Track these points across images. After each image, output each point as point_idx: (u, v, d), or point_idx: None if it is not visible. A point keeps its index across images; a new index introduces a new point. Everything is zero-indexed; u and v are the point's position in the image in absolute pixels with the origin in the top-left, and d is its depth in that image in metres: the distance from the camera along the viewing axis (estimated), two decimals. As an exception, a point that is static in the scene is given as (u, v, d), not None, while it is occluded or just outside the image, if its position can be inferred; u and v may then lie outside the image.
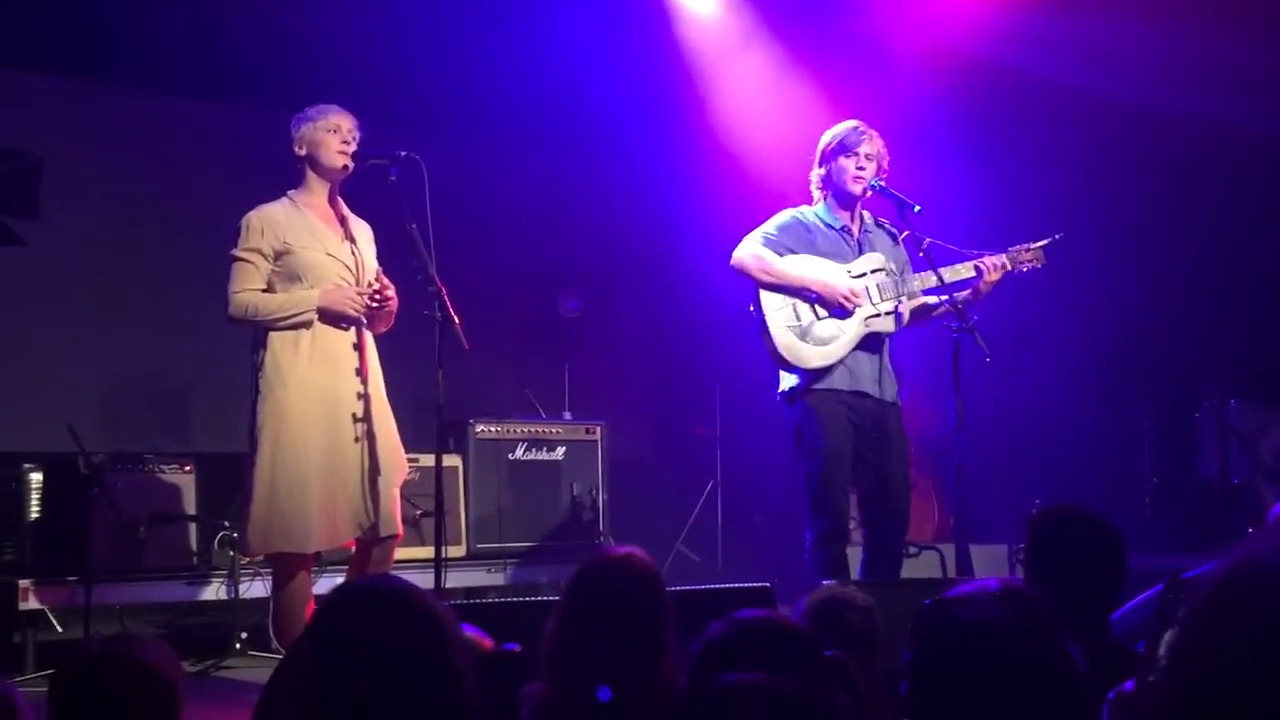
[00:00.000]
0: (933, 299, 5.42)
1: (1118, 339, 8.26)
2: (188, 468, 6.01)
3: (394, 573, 4.51)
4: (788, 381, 5.34)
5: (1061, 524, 3.08)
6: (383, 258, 5.00)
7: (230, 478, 5.69)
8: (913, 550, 6.30)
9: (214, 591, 5.84)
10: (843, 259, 5.37)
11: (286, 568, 4.71)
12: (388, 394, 4.89)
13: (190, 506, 5.96)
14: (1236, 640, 0.82)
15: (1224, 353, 7.84)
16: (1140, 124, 7.70)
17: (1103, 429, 8.36)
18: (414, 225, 4.68)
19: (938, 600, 1.95)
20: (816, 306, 5.29)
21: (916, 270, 5.41)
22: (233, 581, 5.76)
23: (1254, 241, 7.90)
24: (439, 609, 2.07)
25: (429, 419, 4.85)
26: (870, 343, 5.34)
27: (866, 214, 5.53)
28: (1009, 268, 5.38)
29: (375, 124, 5.05)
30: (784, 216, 5.45)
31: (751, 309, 5.36)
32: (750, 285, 5.35)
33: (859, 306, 5.28)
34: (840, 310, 5.26)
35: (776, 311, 5.29)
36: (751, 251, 5.33)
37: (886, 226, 5.57)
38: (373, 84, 6.53)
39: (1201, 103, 7.42)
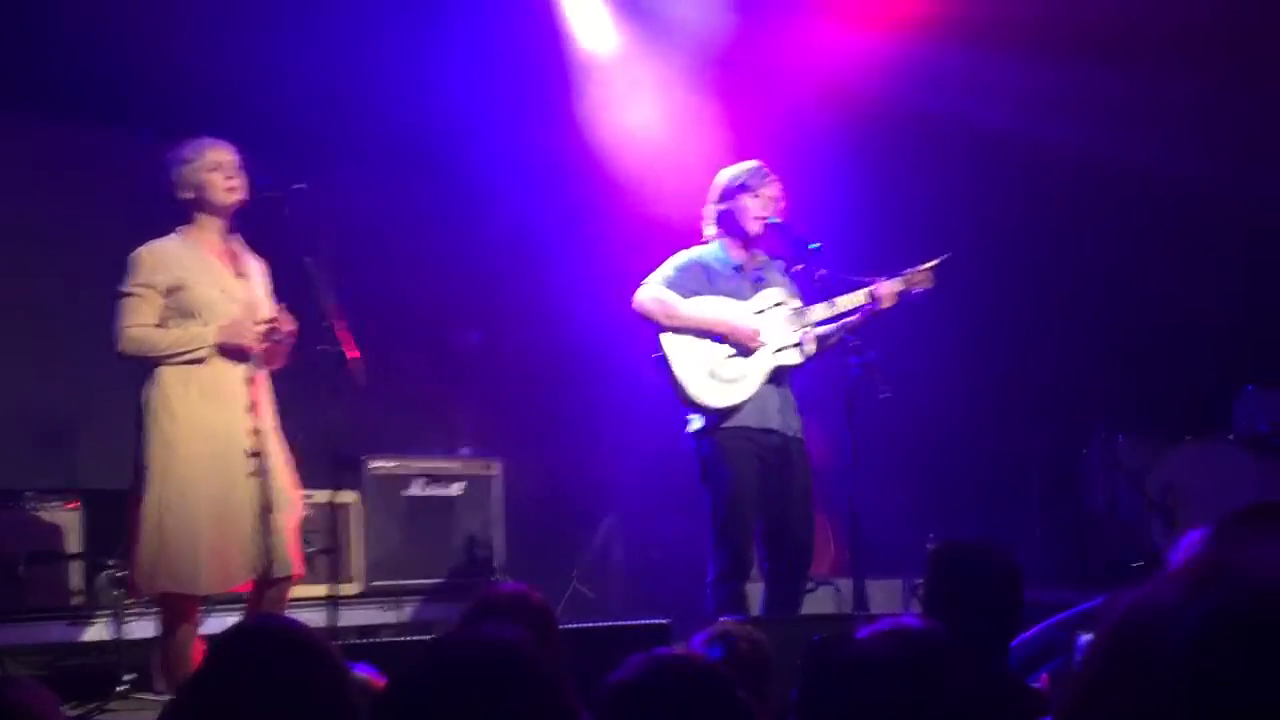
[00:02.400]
0: (827, 329, 5.46)
1: (1007, 374, 8.40)
2: (71, 504, 5.85)
3: (288, 612, 4.45)
4: (696, 421, 5.35)
5: (960, 559, 3.11)
6: (276, 292, 4.91)
7: (117, 514, 5.54)
8: (810, 585, 6.33)
9: (98, 632, 5.68)
10: (742, 297, 5.41)
11: (174, 608, 4.59)
12: (282, 430, 4.80)
13: (74, 544, 5.79)
14: (1128, 686, 0.83)
15: (1112, 388, 8.01)
16: (1029, 157, 7.87)
17: (994, 463, 8.49)
18: (309, 259, 4.62)
19: (825, 637, 1.95)
20: (722, 346, 5.31)
21: (809, 303, 5.46)
22: (117, 621, 5.61)
23: (1143, 277, 8.09)
24: (331, 649, 2.05)
25: (323, 455, 4.77)
26: (775, 377, 5.37)
27: (759, 251, 5.57)
28: (903, 289, 5.45)
29: (267, 156, 4.97)
30: (682, 258, 5.47)
31: (655, 354, 5.36)
32: (653, 329, 5.35)
33: (764, 344, 5.31)
34: (746, 350, 5.29)
35: (681, 354, 5.30)
36: (653, 295, 5.34)
37: (779, 263, 5.62)
38: (263, 115, 6.44)
39: (1090, 137, 7.61)
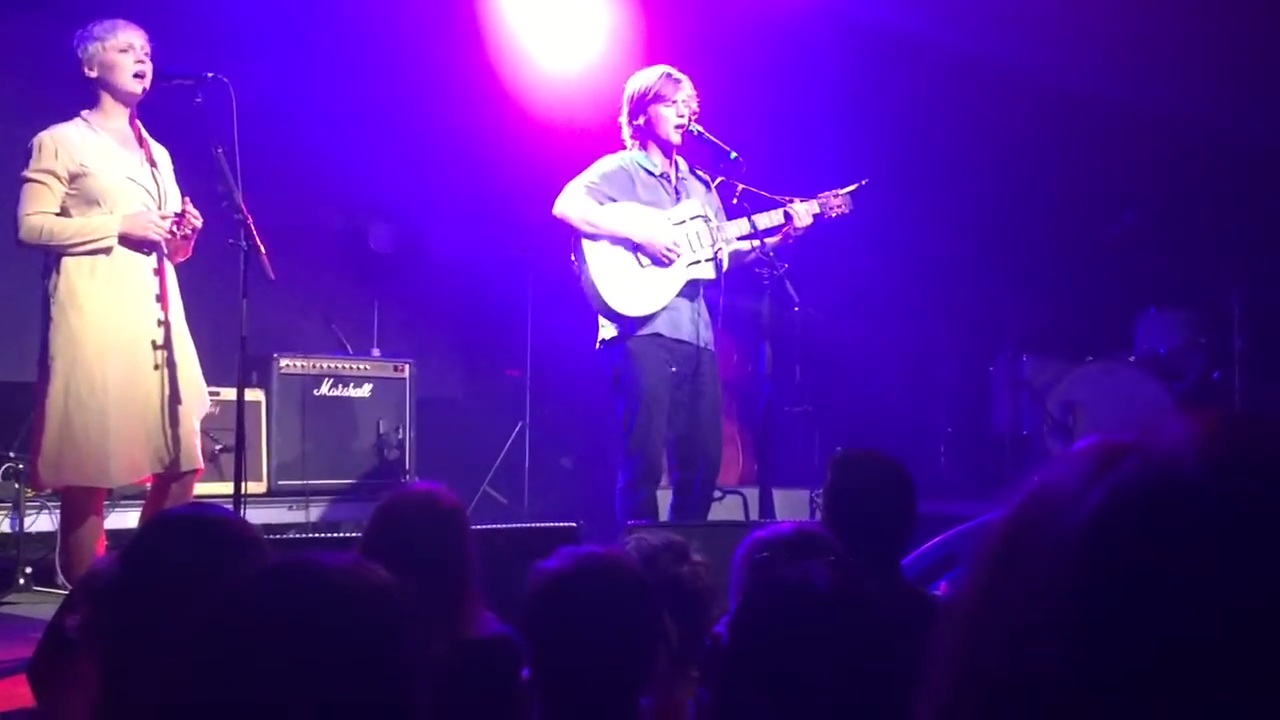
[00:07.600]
0: (746, 245, 5.49)
1: (919, 292, 8.51)
2: (-29, 396, 5.75)
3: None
4: (609, 329, 5.35)
5: (856, 467, 3.17)
6: (185, 182, 4.81)
7: (18, 406, 5.46)
8: (717, 494, 6.41)
9: (-3, 525, 5.61)
10: (662, 206, 5.41)
11: (78, 502, 4.53)
12: (190, 324, 4.73)
13: (-27, 436, 5.70)
14: (1023, 575, 0.77)
15: (1018, 308, 8.14)
16: (943, 75, 7.89)
17: (904, 379, 8.62)
18: (220, 150, 4.52)
19: (763, 558, 1.98)
20: (639, 256, 5.31)
21: (730, 217, 5.48)
22: (18, 514, 5.54)
23: (1050, 199, 8.19)
24: (261, 537, 2.08)
25: (231, 351, 4.72)
26: (689, 289, 5.39)
27: (681, 160, 5.56)
28: (819, 212, 5.49)
29: (181, 45, 4.85)
30: (608, 164, 5.44)
31: (573, 258, 5.34)
32: (572, 233, 5.33)
33: (679, 257, 5.32)
34: (661, 261, 5.30)
35: (599, 260, 5.29)
36: (574, 201, 5.32)
37: (699, 174, 5.61)
38: (179, 2, 6.26)
39: (998, 57, 7.63)
